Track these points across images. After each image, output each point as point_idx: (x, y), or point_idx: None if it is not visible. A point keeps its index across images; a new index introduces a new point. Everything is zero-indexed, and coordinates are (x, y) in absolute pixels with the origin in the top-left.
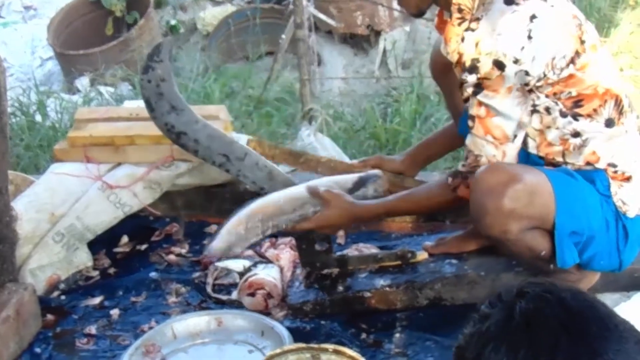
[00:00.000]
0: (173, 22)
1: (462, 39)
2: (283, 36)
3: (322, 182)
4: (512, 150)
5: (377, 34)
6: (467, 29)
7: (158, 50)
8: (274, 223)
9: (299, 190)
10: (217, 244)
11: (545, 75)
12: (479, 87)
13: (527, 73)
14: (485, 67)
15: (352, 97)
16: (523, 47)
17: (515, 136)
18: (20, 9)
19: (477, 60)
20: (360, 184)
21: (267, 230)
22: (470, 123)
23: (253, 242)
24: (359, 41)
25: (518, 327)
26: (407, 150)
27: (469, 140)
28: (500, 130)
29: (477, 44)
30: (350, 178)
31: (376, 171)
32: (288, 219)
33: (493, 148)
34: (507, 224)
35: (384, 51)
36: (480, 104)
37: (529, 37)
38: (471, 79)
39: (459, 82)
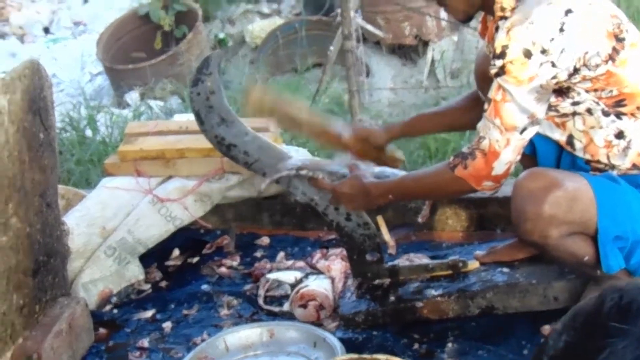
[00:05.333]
0: (221, 36)
1: (497, 29)
2: (331, 48)
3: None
4: (516, 141)
5: (425, 44)
6: (502, 18)
7: (207, 63)
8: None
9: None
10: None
11: (577, 71)
12: (502, 70)
13: (553, 64)
14: (513, 53)
15: (401, 108)
16: (553, 39)
17: (524, 129)
18: (69, 25)
19: (507, 46)
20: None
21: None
22: (485, 105)
23: (286, 174)
24: (407, 51)
25: None
26: (394, 126)
27: (480, 123)
28: (510, 116)
29: (508, 31)
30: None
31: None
32: (319, 172)
33: (498, 133)
34: (547, 229)
35: (432, 61)
36: (499, 87)
37: (561, 30)
38: (498, 63)
39: None
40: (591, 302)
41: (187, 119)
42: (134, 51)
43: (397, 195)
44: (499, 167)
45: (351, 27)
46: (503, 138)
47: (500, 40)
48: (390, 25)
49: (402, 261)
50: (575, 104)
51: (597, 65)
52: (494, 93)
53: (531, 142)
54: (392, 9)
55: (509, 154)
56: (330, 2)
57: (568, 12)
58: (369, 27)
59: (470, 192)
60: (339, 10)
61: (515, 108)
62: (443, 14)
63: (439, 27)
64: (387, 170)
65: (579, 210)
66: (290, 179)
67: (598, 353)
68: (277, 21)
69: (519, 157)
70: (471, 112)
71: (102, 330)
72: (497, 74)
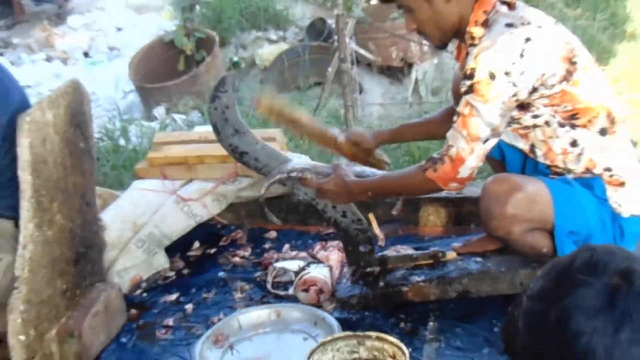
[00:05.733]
0: (235, 59)
1: (467, 54)
2: (329, 69)
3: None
4: (479, 150)
5: (410, 65)
6: (472, 45)
7: (223, 82)
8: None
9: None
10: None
11: (535, 89)
12: (470, 89)
13: (514, 84)
14: (480, 75)
15: (389, 120)
16: (514, 63)
17: (487, 140)
18: (106, 50)
19: (475, 69)
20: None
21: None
22: (454, 117)
23: (278, 179)
24: (394, 72)
25: (619, 310)
26: (383, 132)
27: (449, 133)
28: (475, 129)
29: (476, 56)
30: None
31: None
32: (307, 172)
33: (464, 142)
34: (510, 226)
35: (416, 80)
36: (467, 103)
37: (521, 55)
38: (467, 83)
39: None
40: (566, 257)
41: (206, 130)
42: (161, 72)
43: (376, 192)
44: (463, 172)
45: (346, 51)
46: (468, 147)
47: (469, 63)
48: (380, 50)
49: (390, 252)
50: (535, 117)
51: (553, 85)
52: (462, 108)
53: (500, 150)
54: (382, 35)
55: (472, 160)
56: (328, 30)
57: (527, 40)
58: (362, 52)
59: (438, 191)
60: (336, 37)
61: (481, 122)
62: (425, 39)
63: (422, 52)
64: (367, 169)
65: (537, 209)
66: (294, 181)
67: (565, 297)
68: (283, 46)
69: (481, 164)
70: (447, 124)
71: (133, 311)
72: (466, 92)
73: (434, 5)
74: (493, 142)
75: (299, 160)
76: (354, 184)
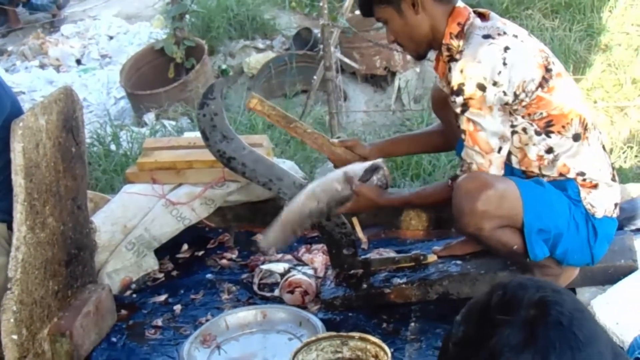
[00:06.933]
0: (224, 67)
1: (449, 69)
2: (315, 77)
3: (345, 169)
4: (497, 160)
5: (393, 74)
6: (452, 60)
7: (211, 89)
8: (311, 220)
9: (328, 184)
10: (267, 242)
11: (518, 97)
12: (465, 106)
13: (504, 93)
14: (470, 89)
15: (372, 127)
16: (500, 72)
17: (500, 148)
18: (97, 57)
19: (463, 84)
20: (369, 172)
21: (306, 226)
22: (462, 136)
23: (295, 237)
24: (378, 80)
25: (542, 341)
26: (378, 143)
27: (463, 152)
28: (485, 142)
29: (461, 71)
30: (361, 168)
31: (379, 162)
32: (321, 214)
33: (480, 157)
34: (480, 222)
35: (399, 88)
36: (469, 120)
37: (504, 64)
38: (459, 100)
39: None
40: (482, 298)
41: (195, 136)
42: (151, 79)
43: (405, 206)
44: None
45: (331, 60)
46: (486, 160)
47: (456, 79)
48: (364, 59)
49: (373, 255)
50: (513, 126)
51: (532, 92)
52: (465, 125)
53: None
54: (366, 45)
55: (494, 171)
56: (314, 39)
57: (506, 49)
58: (346, 60)
59: None
60: (321, 46)
61: (487, 134)
62: None
63: (405, 60)
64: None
65: (507, 206)
66: (280, 186)
67: (489, 339)
68: (270, 55)
69: (502, 172)
70: (444, 135)
71: (123, 312)
72: (463, 111)
73: (404, 18)
74: (506, 147)
75: (310, 187)
76: (384, 201)
